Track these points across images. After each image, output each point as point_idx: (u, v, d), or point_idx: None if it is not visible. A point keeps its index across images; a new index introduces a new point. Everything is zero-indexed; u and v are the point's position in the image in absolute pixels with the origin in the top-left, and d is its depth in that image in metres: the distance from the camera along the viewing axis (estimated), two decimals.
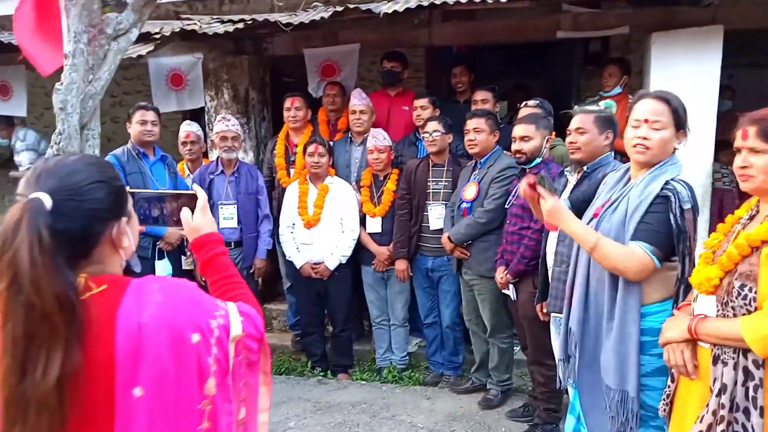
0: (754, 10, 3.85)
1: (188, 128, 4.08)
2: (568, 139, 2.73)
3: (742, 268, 1.61)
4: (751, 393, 1.57)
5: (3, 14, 5.15)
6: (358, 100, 4.12)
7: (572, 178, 2.79)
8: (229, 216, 3.89)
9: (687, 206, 1.93)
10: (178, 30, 4.11)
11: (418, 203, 3.83)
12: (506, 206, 3.33)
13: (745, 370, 1.58)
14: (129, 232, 1.10)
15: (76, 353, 0.95)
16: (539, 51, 6.11)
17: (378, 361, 4.18)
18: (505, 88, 5.13)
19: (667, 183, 1.95)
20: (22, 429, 0.93)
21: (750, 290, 1.58)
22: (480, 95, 4.10)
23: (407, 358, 4.17)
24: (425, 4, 3.69)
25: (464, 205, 3.53)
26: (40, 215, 0.94)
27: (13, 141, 5.59)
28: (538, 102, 3.55)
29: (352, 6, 3.92)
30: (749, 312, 1.58)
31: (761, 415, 1.55)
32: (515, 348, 3.73)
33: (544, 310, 2.85)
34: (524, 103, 3.60)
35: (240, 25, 4.00)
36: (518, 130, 3.16)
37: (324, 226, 3.94)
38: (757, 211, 1.71)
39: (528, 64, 6.55)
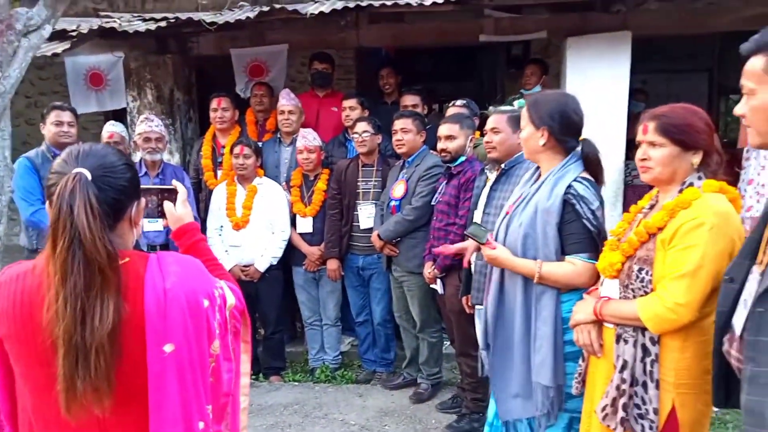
0: (659, 18, 4.13)
1: (112, 128, 3.93)
2: (485, 138, 2.85)
3: (640, 253, 1.74)
4: (648, 368, 1.70)
5: None
6: (286, 100, 4.11)
7: (491, 176, 2.90)
8: (153, 219, 3.77)
9: (595, 205, 2.03)
10: (96, 28, 3.96)
11: (348, 203, 3.87)
12: (432, 203, 3.41)
13: (643, 346, 1.71)
14: (141, 216, 1.28)
15: (123, 305, 1.11)
16: (468, 54, 6.29)
17: (311, 362, 4.18)
18: (436, 90, 5.24)
19: (569, 187, 2.03)
20: (84, 373, 1.08)
21: (647, 273, 1.71)
22: (409, 100, 4.16)
23: (340, 357, 4.19)
24: (351, 5, 3.73)
25: (393, 203, 3.60)
26: (88, 185, 1.10)
27: None
28: (465, 102, 3.68)
29: (278, 6, 3.91)
30: (646, 293, 1.72)
31: (657, 387, 1.68)
32: (444, 342, 3.83)
33: (469, 303, 2.94)
34: (452, 102, 3.71)
35: (162, 24, 3.90)
36: (443, 130, 3.26)
37: (253, 227, 3.90)
38: (657, 201, 1.85)
39: (457, 67, 6.73)
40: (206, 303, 1.19)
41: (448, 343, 3.82)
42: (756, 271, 1.31)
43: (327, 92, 4.53)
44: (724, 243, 1.62)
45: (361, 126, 3.78)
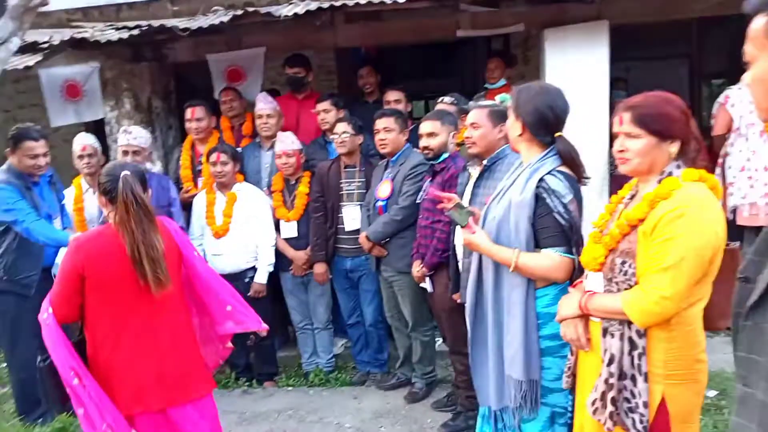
0: (635, 5, 4.13)
1: (84, 141, 3.86)
2: (465, 134, 2.83)
3: (622, 246, 1.73)
4: (636, 361, 1.68)
5: None
6: (263, 104, 4.07)
7: (474, 172, 2.88)
8: None
9: (567, 199, 2.02)
10: (68, 39, 3.90)
11: (332, 205, 3.82)
12: (418, 201, 3.39)
13: (630, 340, 1.70)
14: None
15: (161, 234, 2.16)
16: (449, 51, 6.27)
17: (304, 366, 4.15)
18: (418, 87, 5.21)
19: (541, 181, 2.03)
20: (155, 273, 2.10)
21: (630, 266, 1.70)
22: (392, 95, 4.14)
23: (333, 360, 4.16)
24: (325, 6, 3.70)
25: (379, 203, 3.56)
26: (135, 174, 2.14)
27: None
28: (453, 99, 3.60)
29: (251, 9, 3.86)
30: (630, 286, 1.70)
31: (645, 380, 1.67)
32: (437, 340, 3.81)
33: (459, 300, 2.93)
34: (440, 99, 3.64)
35: (135, 32, 3.84)
36: (424, 127, 3.23)
37: (234, 235, 3.85)
38: (637, 191, 1.84)
39: (439, 64, 6.70)
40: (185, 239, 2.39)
41: (441, 341, 3.81)
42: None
43: (305, 94, 4.50)
44: (706, 232, 1.60)
45: (341, 127, 3.73)
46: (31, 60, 3.80)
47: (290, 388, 4.00)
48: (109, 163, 2.33)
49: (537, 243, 2.06)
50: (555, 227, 2.02)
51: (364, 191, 3.77)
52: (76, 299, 2.14)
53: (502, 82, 4.58)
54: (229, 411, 3.68)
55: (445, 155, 3.23)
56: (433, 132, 3.18)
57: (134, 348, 2.15)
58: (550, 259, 2.02)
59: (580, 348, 1.87)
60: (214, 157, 3.79)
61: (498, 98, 3.06)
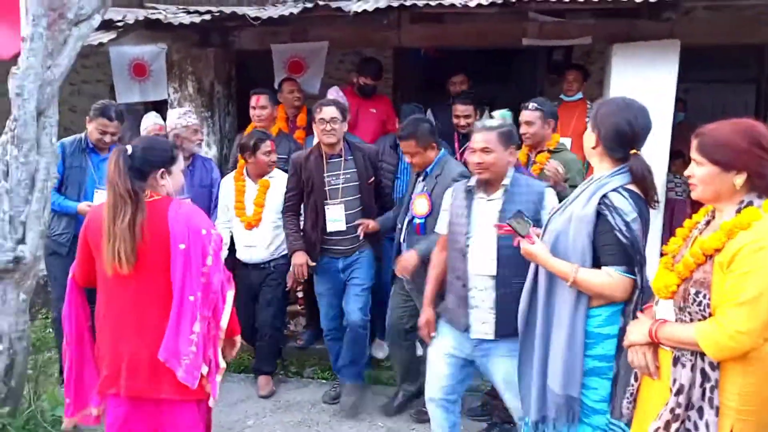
0: (707, 26, 4.03)
1: (158, 120, 3.96)
2: (473, 158, 2.58)
3: (697, 276, 1.68)
4: (707, 394, 1.64)
5: None
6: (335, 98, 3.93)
7: (480, 195, 2.63)
8: None
9: (630, 217, 1.96)
10: (142, 19, 4.01)
11: (316, 203, 3.42)
12: None
13: (702, 371, 1.65)
14: (168, 179, 2.22)
15: (140, 216, 2.08)
16: (504, 57, 6.21)
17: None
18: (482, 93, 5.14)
19: (604, 197, 1.98)
20: (112, 248, 2.06)
21: (704, 297, 1.65)
22: (460, 110, 4.00)
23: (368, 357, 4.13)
24: (395, 5, 3.71)
25: (417, 221, 3.16)
26: (123, 154, 2.13)
27: None
28: (537, 105, 3.38)
29: (322, 3, 3.90)
30: (704, 317, 1.66)
31: (717, 414, 1.62)
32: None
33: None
34: (524, 105, 3.45)
35: (207, 17, 3.93)
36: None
37: (266, 226, 3.65)
38: (713, 217, 1.79)
39: (494, 69, 6.66)
40: (204, 231, 2.15)
41: None
42: None
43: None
44: None
45: (329, 111, 3.31)
46: (105, 37, 3.92)
47: (324, 381, 4.02)
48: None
49: (595, 260, 2.02)
50: (616, 245, 1.98)
51: (357, 183, 3.40)
52: (86, 264, 2.23)
53: (579, 95, 4.47)
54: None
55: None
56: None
57: (115, 327, 2.16)
58: (609, 277, 1.98)
59: (647, 375, 1.83)
60: (268, 145, 3.64)
61: (499, 114, 2.88)
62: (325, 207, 3.40)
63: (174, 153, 2.27)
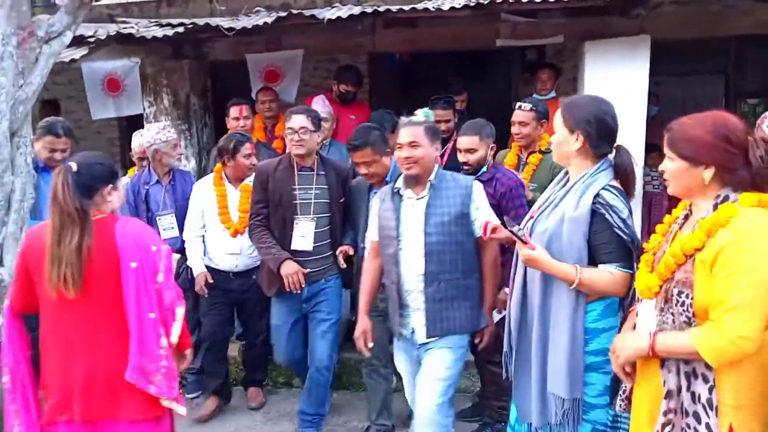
0: (676, 21, 4.11)
1: (140, 142, 3.92)
2: (401, 153, 2.56)
3: (678, 276, 1.67)
4: (705, 395, 1.63)
5: None
6: (321, 107, 3.98)
7: (407, 194, 2.62)
8: (168, 226, 3.68)
9: (625, 214, 1.99)
10: (114, 33, 3.97)
11: (284, 217, 3.15)
12: None
13: (687, 374, 1.66)
14: (114, 195, 2.14)
15: (88, 237, 2.00)
16: (479, 58, 6.27)
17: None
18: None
19: (597, 196, 1.99)
20: (57, 272, 1.97)
21: (687, 297, 1.64)
22: (440, 114, 3.84)
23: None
24: (368, 11, 3.72)
25: None
26: (69, 171, 2.02)
27: None
28: (532, 105, 3.41)
29: (295, 12, 3.90)
30: (688, 318, 1.64)
31: (716, 414, 1.61)
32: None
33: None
34: (517, 105, 3.46)
35: (180, 30, 3.90)
36: (462, 142, 3.09)
37: None
38: (690, 212, 1.78)
39: (468, 71, 6.71)
40: (154, 248, 2.11)
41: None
42: None
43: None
44: None
45: (298, 120, 3.07)
46: (77, 53, 3.87)
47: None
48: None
49: (591, 259, 2.02)
50: (615, 242, 1.98)
51: (327, 201, 3.17)
52: (25, 290, 2.12)
53: (553, 93, 4.53)
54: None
55: (484, 169, 3.10)
56: (471, 148, 3.07)
57: (64, 351, 2.07)
58: (611, 275, 1.98)
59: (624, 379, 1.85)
60: (248, 147, 3.48)
61: (422, 113, 2.86)
62: (294, 222, 3.14)
63: (116, 167, 2.23)
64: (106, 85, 4.55)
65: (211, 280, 3.48)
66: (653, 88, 4.43)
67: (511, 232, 2.08)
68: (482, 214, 2.58)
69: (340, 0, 4.39)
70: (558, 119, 2.12)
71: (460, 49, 4.76)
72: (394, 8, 3.69)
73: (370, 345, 2.77)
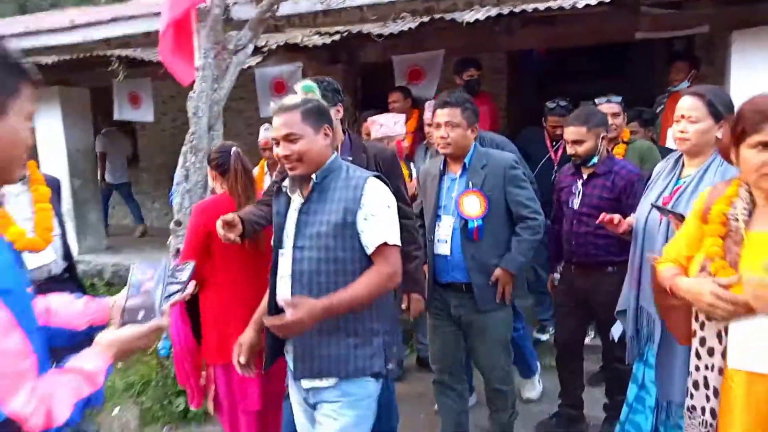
0: None
1: (265, 135, 4.07)
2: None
3: None
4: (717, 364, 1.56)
5: (134, 32, 5.93)
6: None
7: (295, 196, 2.01)
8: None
9: None
10: (282, 44, 4.62)
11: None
12: (574, 207, 2.97)
13: None
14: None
15: None
16: (617, 51, 6.18)
17: None
18: (585, 87, 5.24)
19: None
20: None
21: None
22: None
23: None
24: (505, 12, 3.96)
25: (475, 223, 2.60)
26: (241, 154, 2.67)
27: None
28: (617, 98, 3.52)
29: (437, 16, 4.25)
30: None
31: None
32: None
33: None
34: (598, 101, 3.54)
35: (336, 37, 4.45)
36: (569, 134, 2.91)
37: None
38: (753, 204, 1.61)
39: (607, 64, 6.62)
40: None
41: (592, 335, 3.85)
42: None
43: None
44: None
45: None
46: (254, 60, 4.58)
47: None
48: (219, 143, 3.04)
49: None
50: None
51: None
52: (202, 255, 2.47)
53: (685, 84, 4.46)
54: None
55: (595, 159, 2.91)
56: (578, 139, 2.88)
57: (240, 300, 2.46)
58: None
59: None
60: None
61: (301, 87, 2.01)
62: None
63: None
64: (273, 88, 5.28)
65: None
66: None
67: (672, 213, 2.10)
68: (373, 226, 1.89)
69: (480, 1, 4.66)
70: (700, 108, 2.14)
71: (598, 43, 4.79)
72: (529, 8, 3.88)
73: (241, 359, 2.16)
